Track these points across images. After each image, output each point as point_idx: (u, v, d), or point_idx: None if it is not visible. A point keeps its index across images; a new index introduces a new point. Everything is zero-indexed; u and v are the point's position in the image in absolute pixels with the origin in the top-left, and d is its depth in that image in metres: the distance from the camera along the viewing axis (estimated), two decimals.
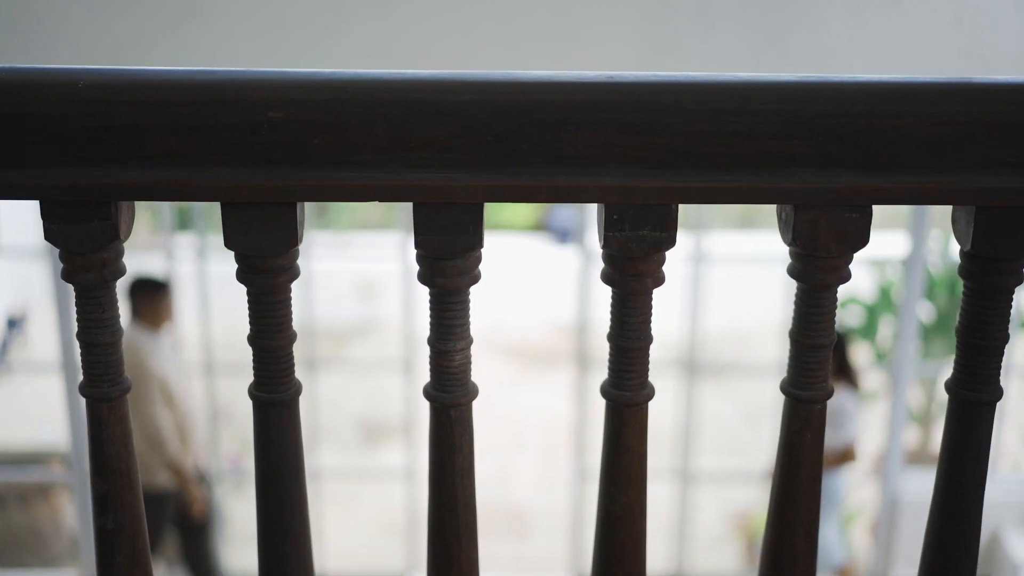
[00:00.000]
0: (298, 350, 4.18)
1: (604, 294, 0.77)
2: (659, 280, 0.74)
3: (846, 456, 3.85)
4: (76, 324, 0.75)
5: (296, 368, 0.78)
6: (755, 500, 4.89)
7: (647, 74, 0.71)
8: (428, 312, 0.75)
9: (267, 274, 0.73)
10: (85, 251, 0.72)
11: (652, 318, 0.75)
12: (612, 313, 0.75)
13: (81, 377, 0.77)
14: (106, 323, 0.74)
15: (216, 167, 0.69)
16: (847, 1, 3.39)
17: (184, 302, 4.56)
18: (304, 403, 4.57)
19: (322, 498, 5.05)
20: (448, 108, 0.69)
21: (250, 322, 0.75)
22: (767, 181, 0.70)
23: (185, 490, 3.80)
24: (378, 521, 5.23)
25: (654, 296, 0.75)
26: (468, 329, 0.75)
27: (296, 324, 0.77)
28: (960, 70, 3.44)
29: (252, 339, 0.75)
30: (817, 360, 0.76)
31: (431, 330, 0.75)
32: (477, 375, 0.79)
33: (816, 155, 0.69)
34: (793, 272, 0.74)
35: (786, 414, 0.78)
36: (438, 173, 0.69)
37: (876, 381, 5.05)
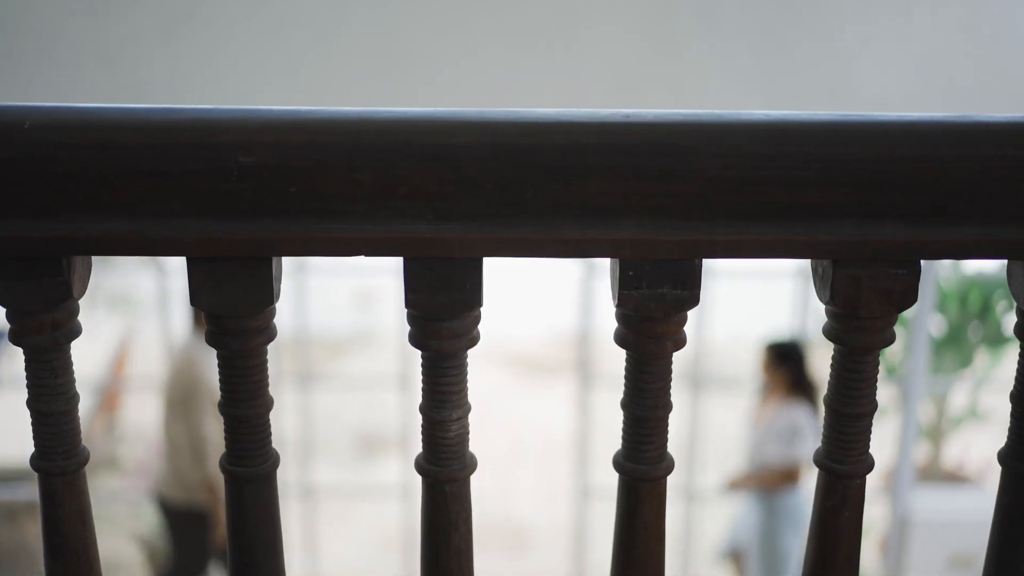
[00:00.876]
0: (293, 361, 4.13)
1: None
2: (680, 342, 0.66)
3: (789, 476, 3.66)
4: (27, 390, 0.68)
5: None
6: None
7: (667, 113, 0.63)
8: (420, 376, 0.68)
9: (240, 336, 0.66)
10: (34, 311, 0.64)
11: (671, 383, 0.68)
12: (627, 378, 0.68)
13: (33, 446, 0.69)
14: (59, 390, 0.67)
15: (181, 218, 0.61)
16: (857, 7, 3.33)
17: (175, 321, 4.46)
18: (299, 416, 4.50)
19: (318, 514, 4.98)
20: (442, 152, 0.61)
21: (221, 388, 0.67)
22: (803, 233, 0.62)
23: (214, 511, 3.60)
24: (375, 536, 5.15)
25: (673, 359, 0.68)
26: (465, 395, 0.68)
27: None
28: (971, 78, 3.38)
29: (223, 407, 0.68)
30: (856, 430, 0.68)
31: (424, 397, 0.68)
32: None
33: (858, 204, 0.62)
34: (830, 333, 0.67)
35: (820, 489, 0.70)
36: (431, 225, 0.62)
37: (886, 396, 4.97)
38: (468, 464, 0.69)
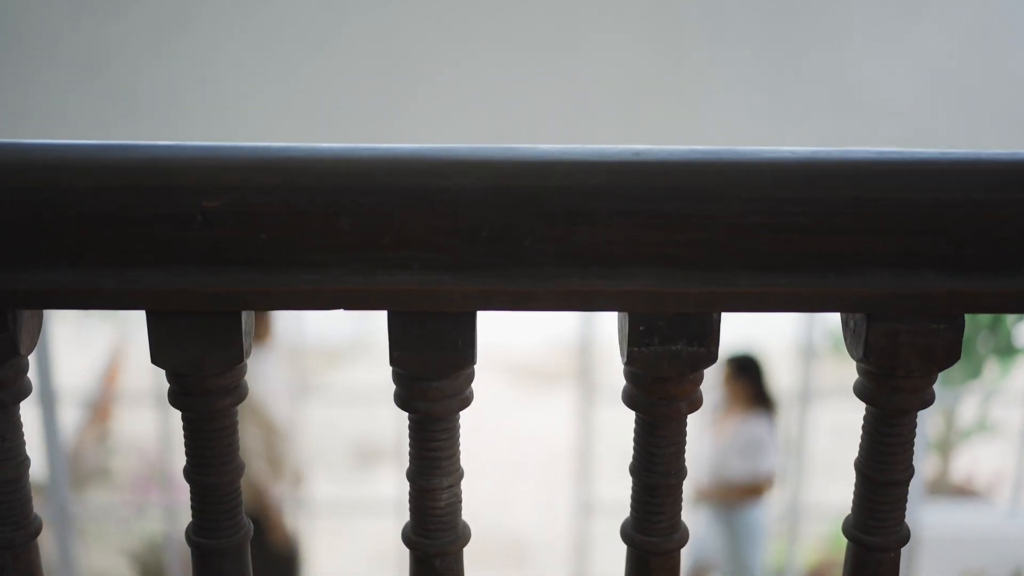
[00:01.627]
0: (289, 371, 4.03)
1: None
2: (696, 403, 0.60)
3: (756, 490, 3.61)
4: None
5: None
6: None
7: (682, 151, 0.57)
8: (408, 440, 0.61)
9: (207, 397, 0.59)
10: None
11: (686, 447, 0.62)
12: (636, 442, 0.61)
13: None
14: (7, 455, 0.60)
15: (138, 268, 0.55)
16: (863, 14, 3.27)
17: None
18: (293, 427, 4.40)
19: (312, 529, 4.91)
20: (431, 196, 0.55)
21: (187, 453, 0.61)
22: (834, 285, 0.56)
23: (264, 516, 3.59)
24: (370, 552, 5.08)
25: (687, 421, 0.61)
26: (457, 460, 0.62)
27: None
28: (980, 84, 3.32)
29: (189, 474, 0.61)
30: (891, 499, 0.62)
31: (411, 462, 0.61)
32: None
33: (896, 252, 0.56)
34: (863, 393, 0.60)
35: (851, 562, 0.64)
36: (419, 276, 0.56)
37: None
38: (460, 535, 0.62)
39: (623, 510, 0.66)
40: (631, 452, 0.62)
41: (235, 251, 0.55)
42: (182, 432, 0.61)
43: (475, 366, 0.59)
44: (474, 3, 3.18)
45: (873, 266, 0.56)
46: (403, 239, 0.55)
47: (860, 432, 0.63)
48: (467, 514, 0.64)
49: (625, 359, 0.58)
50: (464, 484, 0.63)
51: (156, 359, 0.58)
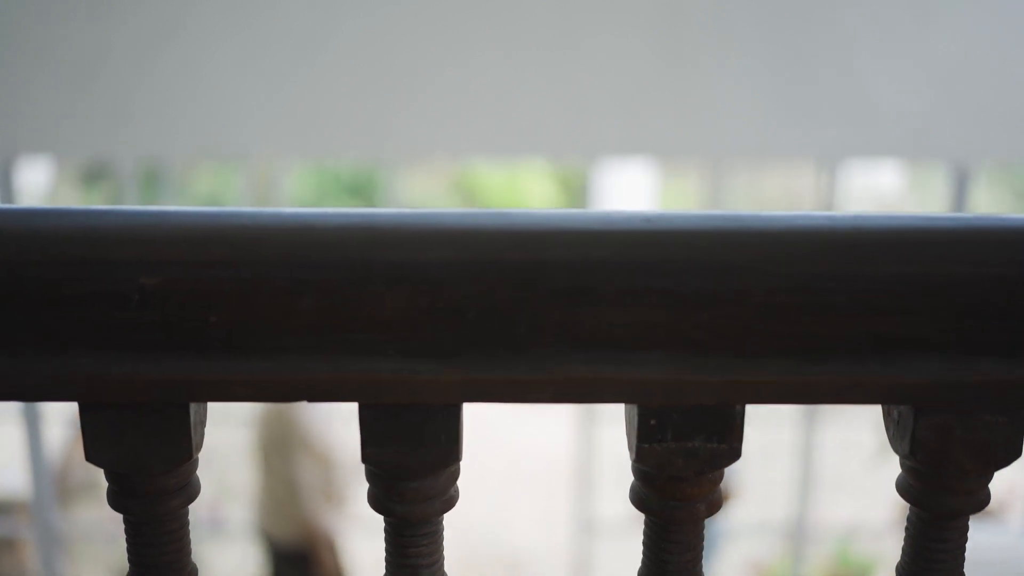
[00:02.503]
0: None
1: None
2: (715, 504, 0.52)
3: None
4: None
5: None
6: (769, 550, 4.66)
7: (701, 217, 0.49)
8: (384, 545, 0.54)
9: (151, 498, 0.52)
10: None
11: (703, 553, 0.54)
12: (646, 546, 0.54)
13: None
14: None
15: (67, 355, 0.48)
16: (873, 22, 3.20)
17: None
18: None
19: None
20: (410, 272, 0.47)
21: (129, 560, 0.54)
22: (876, 373, 0.49)
23: (312, 552, 3.48)
24: None
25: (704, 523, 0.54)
26: (441, 567, 0.54)
27: None
28: (992, 94, 3.25)
29: None
30: None
31: (387, 570, 0.54)
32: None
33: (949, 336, 0.48)
34: (907, 492, 0.53)
35: None
36: (395, 363, 0.48)
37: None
38: None
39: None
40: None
41: (179, 335, 0.48)
42: (124, 535, 0.54)
43: (460, 462, 0.52)
44: (472, 8, 3.12)
45: (922, 351, 0.49)
46: (376, 321, 0.48)
47: (903, 534, 0.56)
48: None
49: (634, 456, 0.51)
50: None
51: (91, 456, 0.50)
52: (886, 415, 0.52)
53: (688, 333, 0.48)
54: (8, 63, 3.09)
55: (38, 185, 6.05)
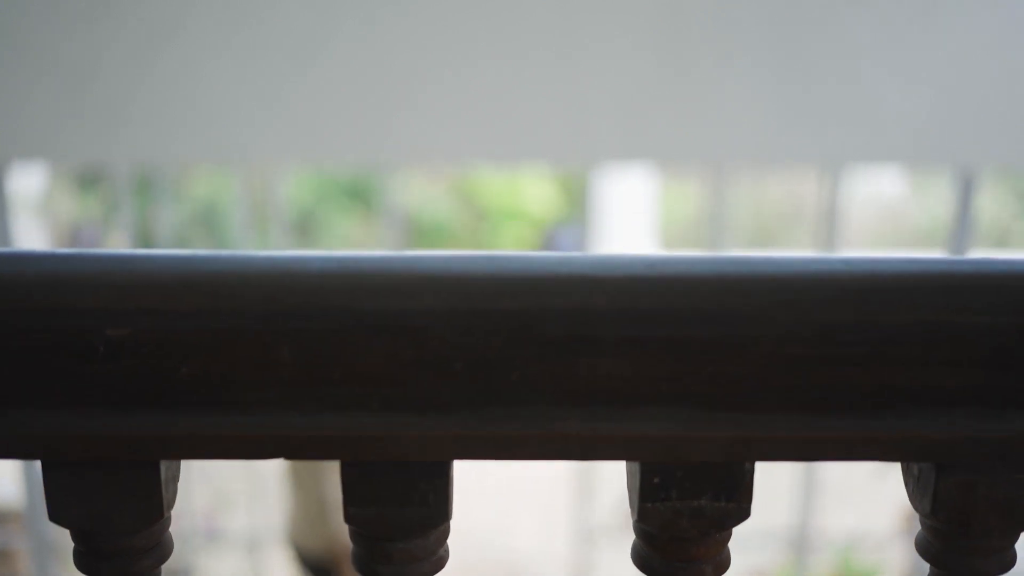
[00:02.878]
0: None
1: None
2: (722, 565, 0.49)
3: None
4: None
5: None
6: (771, 559, 4.62)
7: (708, 261, 0.46)
8: None
9: (119, 559, 0.49)
10: None
11: None
12: None
13: None
14: None
15: (28, 409, 0.45)
16: (877, 25, 3.17)
17: None
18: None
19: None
20: (393, 321, 0.44)
21: None
22: (896, 428, 0.46)
23: (337, 566, 3.50)
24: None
25: None
26: None
27: None
28: (1004, 100, 3.22)
29: None
30: None
31: None
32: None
33: (974, 389, 0.45)
34: (927, 552, 0.50)
35: None
36: (378, 418, 0.45)
37: None
38: None
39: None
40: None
41: (148, 388, 0.45)
42: None
43: (450, 521, 0.48)
44: (472, 12, 3.08)
45: (943, 405, 0.46)
46: (359, 373, 0.45)
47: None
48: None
49: (636, 515, 0.48)
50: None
51: (55, 515, 0.47)
52: (905, 471, 0.49)
53: (693, 386, 0.45)
54: (1, 67, 3.06)
55: (32, 191, 6.02)
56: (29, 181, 5.84)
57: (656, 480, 0.46)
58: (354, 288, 0.45)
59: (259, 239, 6.63)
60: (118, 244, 3.60)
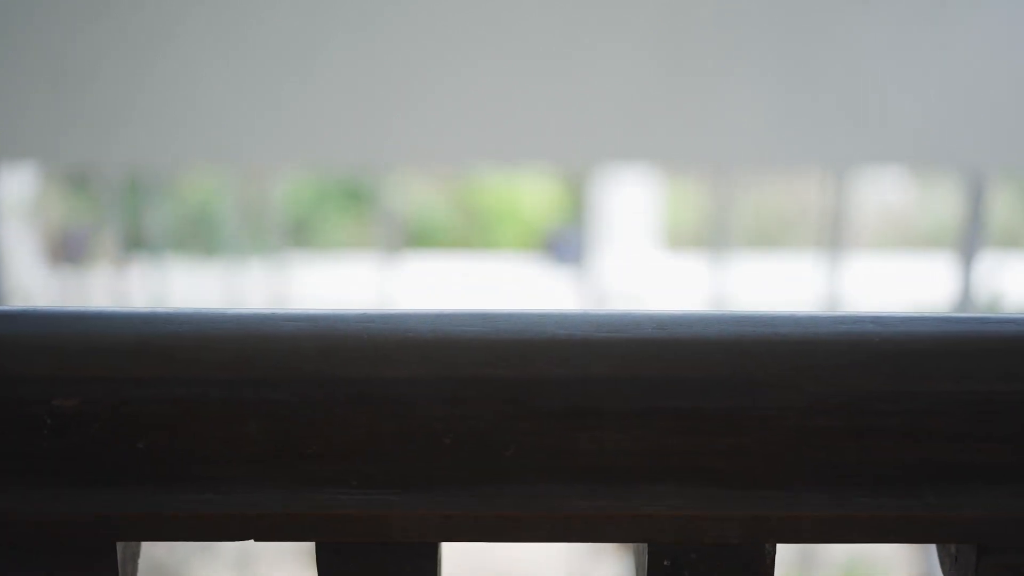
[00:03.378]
0: None
1: None
2: None
3: None
4: None
5: None
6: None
7: (723, 319, 0.42)
8: None
9: None
10: None
11: None
12: None
13: None
14: None
15: None
16: (884, 26, 3.13)
17: None
18: None
19: None
20: (373, 390, 0.40)
21: None
22: (933, 507, 0.41)
23: None
24: None
25: None
26: None
27: None
28: (1011, 102, 3.18)
29: None
30: None
31: None
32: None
33: (1017, 465, 0.41)
34: None
35: None
36: (359, 495, 0.41)
37: None
38: None
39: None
40: None
41: (102, 465, 0.40)
42: None
43: None
44: (473, 13, 3.04)
45: (985, 482, 0.41)
46: (335, 447, 0.40)
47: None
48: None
49: None
50: None
51: None
52: (942, 550, 0.45)
53: (708, 461, 0.41)
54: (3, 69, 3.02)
55: (21, 194, 5.97)
56: (19, 185, 5.80)
57: (667, 563, 0.42)
58: (330, 353, 0.40)
59: (253, 242, 6.59)
60: (108, 248, 3.56)
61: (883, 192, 7.85)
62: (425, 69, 3.11)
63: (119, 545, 0.42)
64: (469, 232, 8.38)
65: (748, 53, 3.10)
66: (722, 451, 0.41)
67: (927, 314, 0.42)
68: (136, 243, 5.30)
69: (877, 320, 0.42)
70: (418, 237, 8.27)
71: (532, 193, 7.98)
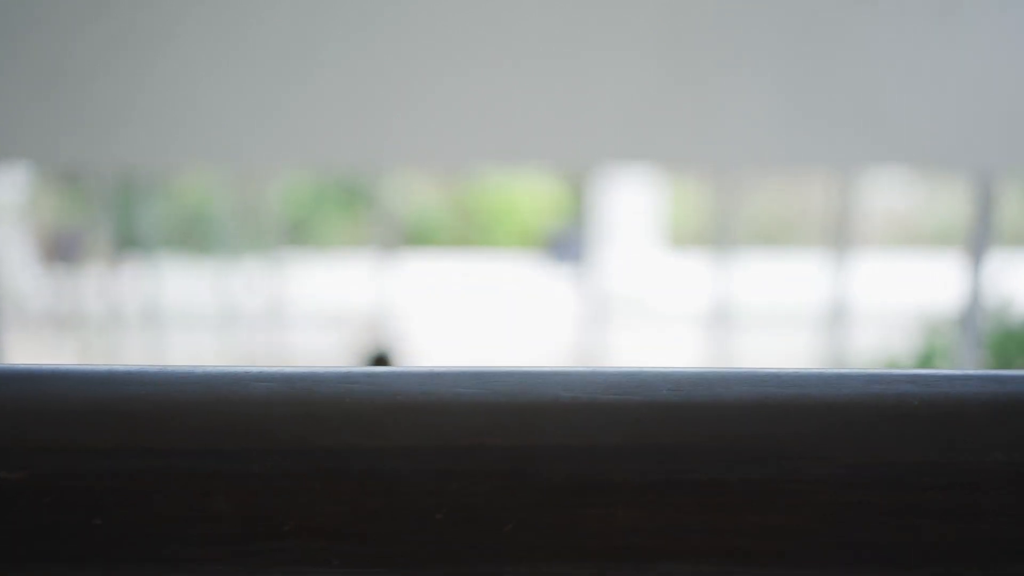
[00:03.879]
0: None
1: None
2: None
3: None
4: None
5: None
6: None
7: (745, 378, 0.38)
8: None
9: None
10: None
11: None
12: None
13: None
14: None
15: None
16: (892, 25, 3.09)
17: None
18: None
19: None
20: (355, 462, 0.36)
21: None
22: None
23: None
24: None
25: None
26: None
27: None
28: (1019, 101, 3.13)
29: None
30: None
31: None
32: None
33: None
34: None
35: None
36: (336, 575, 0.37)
37: None
38: None
39: None
40: None
41: (54, 543, 0.36)
42: None
43: None
44: (473, 14, 3.00)
45: None
46: (315, 525, 0.36)
47: None
48: None
49: None
50: None
51: None
52: None
53: (730, 540, 0.37)
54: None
55: (15, 194, 5.91)
56: (12, 186, 5.73)
57: None
58: (307, 419, 0.36)
59: (249, 242, 6.54)
60: (102, 248, 3.52)
61: (889, 192, 7.80)
62: (424, 69, 3.07)
63: None
64: (468, 231, 8.30)
65: (752, 53, 3.06)
66: (745, 529, 0.36)
67: (970, 373, 0.38)
68: (130, 243, 5.25)
69: (915, 379, 0.38)
70: (416, 236, 8.19)
71: (532, 193, 7.92)
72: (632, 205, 7.02)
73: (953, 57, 3.08)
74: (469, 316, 6.33)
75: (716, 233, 3.38)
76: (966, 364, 3.55)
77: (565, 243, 7.41)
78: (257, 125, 3.11)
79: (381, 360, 3.47)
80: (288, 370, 0.37)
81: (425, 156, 3.17)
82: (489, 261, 7.80)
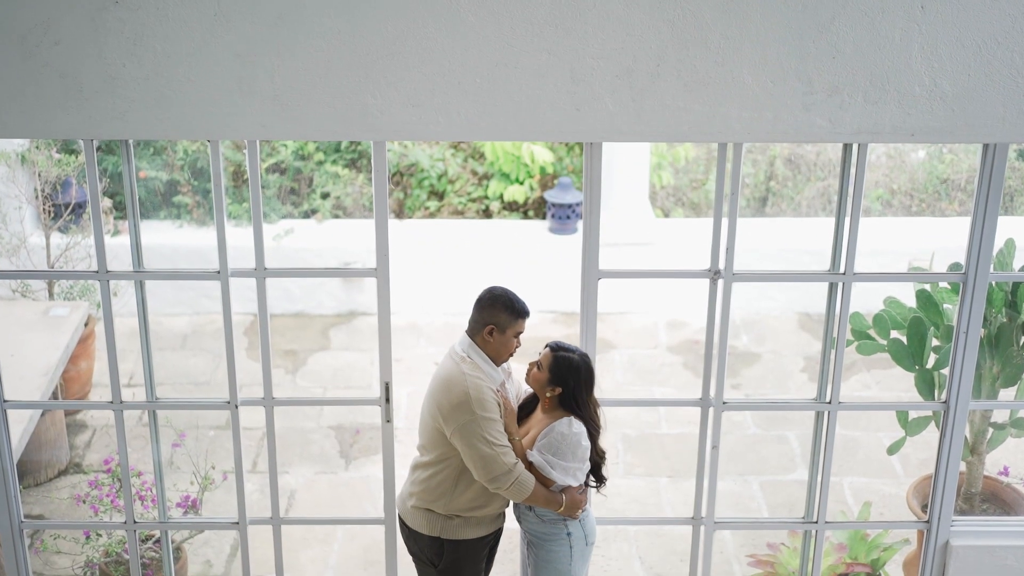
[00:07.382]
0: (279, 341, 3.85)
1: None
2: None
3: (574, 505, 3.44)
4: None
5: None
6: (779, 536, 4.54)
7: None
8: None
9: None
10: None
11: None
12: None
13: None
14: None
15: None
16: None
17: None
18: (282, 410, 4.22)
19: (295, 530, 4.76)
20: None
21: None
22: None
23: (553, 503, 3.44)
24: (358, 556, 4.88)
25: None
26: None
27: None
28: None
29: None
30: None
31: None
32: None
33: None
34: None
35: None
36: None
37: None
38: None
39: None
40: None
41: None
42: None
43: None
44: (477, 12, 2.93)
45: None
46: None
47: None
48: None
49: None
50: None
51: None
52: None
53: None
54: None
55: (10, 149, 5.83)
56: (7, 143, 5.64)
57: None
58: None
59: (246, 194, 6.45)
60: (95, 206, 3.47)
61: (894, 158, 7.68)
62: (409, 44, 2.99)
63: None
64: (469, 194, 8.20)
65: (765, 28, 2.99)
66: None
67: None
68: (121, 202, 5.19)
69: None
70: (419, 188, 8.07)
71: (531, 159, 7.81)
72: (629, 171, 6.90)
73: (968, 26, 3.01)
74: (465, 279, 6.24)
75: (716, 197, 3.33)
76: (973, 321, 3.49)
77: (563, 208, 7.26)
78: (243, 101, 3.04)
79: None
80: None
81: (419, 129, 3.10)
82: (489, 225, 7.63)
